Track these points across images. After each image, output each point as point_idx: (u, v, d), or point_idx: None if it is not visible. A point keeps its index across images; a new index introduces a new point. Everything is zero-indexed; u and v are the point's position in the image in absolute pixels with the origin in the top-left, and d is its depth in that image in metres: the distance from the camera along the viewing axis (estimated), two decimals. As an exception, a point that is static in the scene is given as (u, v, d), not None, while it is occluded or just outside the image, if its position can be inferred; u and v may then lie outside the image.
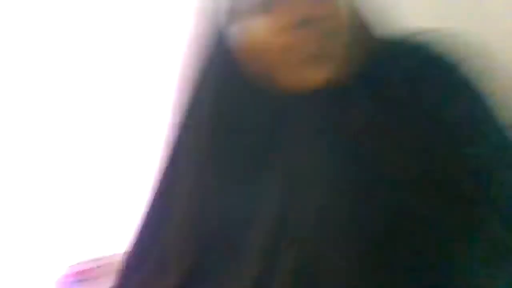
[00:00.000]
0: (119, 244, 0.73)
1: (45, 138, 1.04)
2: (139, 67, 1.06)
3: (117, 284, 0.58)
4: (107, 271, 0.84)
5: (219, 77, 0.55)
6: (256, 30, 0.51)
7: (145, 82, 1.05)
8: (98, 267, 0.90)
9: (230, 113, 0.53)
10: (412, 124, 0.50)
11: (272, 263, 0.49)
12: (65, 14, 1.04)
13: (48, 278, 0.93)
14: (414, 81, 0.52)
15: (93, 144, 1.05)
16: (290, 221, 0.49)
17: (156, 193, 0.57)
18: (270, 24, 0.50)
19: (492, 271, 0.47)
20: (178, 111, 0.57)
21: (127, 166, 1.05)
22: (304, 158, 0.50)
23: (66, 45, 1.04)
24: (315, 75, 0.50)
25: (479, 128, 0.51)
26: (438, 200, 0.48)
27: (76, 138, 1.05)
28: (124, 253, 0.58)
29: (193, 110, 0.56)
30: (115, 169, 1.05)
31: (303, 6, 0.49)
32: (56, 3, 1.03)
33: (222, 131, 0.53)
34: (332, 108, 0.51)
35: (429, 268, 0.47)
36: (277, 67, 0.51)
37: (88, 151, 1.05)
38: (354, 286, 0.47)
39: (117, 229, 0.98)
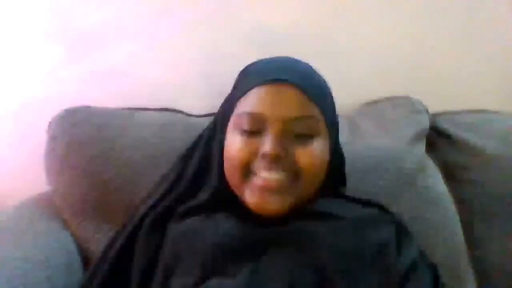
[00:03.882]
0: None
1: None
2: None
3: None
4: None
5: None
6: (235, 148, 0.59)
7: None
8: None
9: None
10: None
11: None
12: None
13: None
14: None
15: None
16: None
17: None
18: (249, 148, 0.58)
19: None
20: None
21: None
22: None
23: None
24: (267, 204, 0.58)
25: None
26: None
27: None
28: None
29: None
30: None
31: (285, 148, 0.58)
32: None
33: None
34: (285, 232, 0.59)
35: None
36: (243, 186, 0.59)
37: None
38: None
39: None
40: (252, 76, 0.63)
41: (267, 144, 0.57)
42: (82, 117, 0.85)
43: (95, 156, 0.82)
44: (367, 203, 0.67)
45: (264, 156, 0.57)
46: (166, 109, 0.91)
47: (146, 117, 0.88)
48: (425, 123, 0.91)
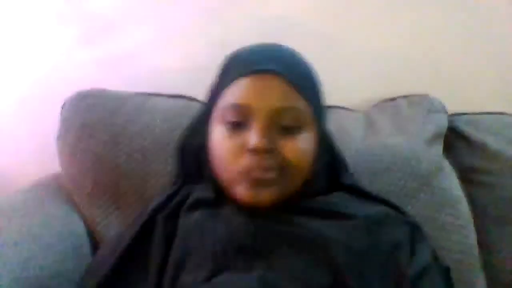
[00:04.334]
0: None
1: None
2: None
3: None
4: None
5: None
6: (222, 142, 0.59)
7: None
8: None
9: None
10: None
11: None
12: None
13: None
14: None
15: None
16: None
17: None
18: (235, 142, 0.58)
19: None
20: None
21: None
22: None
23: None
24: (258, 196, 0.57)
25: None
26: None
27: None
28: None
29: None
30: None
31: (272, 141, 0.57)
32: None
33: None
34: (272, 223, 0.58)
35: None
36: (232, 181, 0.59)
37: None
38: None
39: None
40: (236, 66, 0.61)
41: (253, 137, 0.57)
42: (95, 100, 0.85)
43: (107, 140, 0.81)
44: (379, 200, 0.66)
45: (252, 150, 0.57)
46: (180, 96, 0.90)
47: (159, 103, 0.87)
48: (444, 123, 0.89)
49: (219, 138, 0.60)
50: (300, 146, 0.59)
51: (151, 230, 0.62)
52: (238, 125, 0.58)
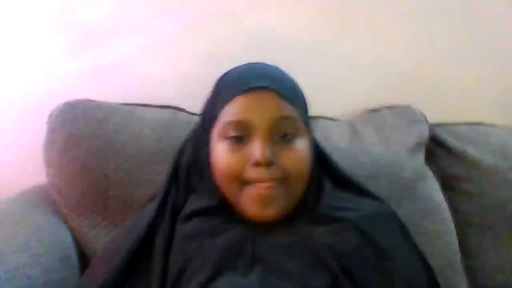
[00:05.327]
0: None
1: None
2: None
3: None
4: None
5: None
6: (224, 157, 0.62)
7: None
8: None
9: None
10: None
11: None
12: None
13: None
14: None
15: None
16: None
17: None
18: (237, 157, 0.61)
19: None
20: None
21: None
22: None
23: None
24: (264, 213, 0.60)
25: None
26: None
27: None
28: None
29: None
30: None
31: (273, 152, 0.60)
32: None
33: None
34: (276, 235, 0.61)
35: None
36: (237, 195, 0.61)
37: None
38: None
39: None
40: (231, 86, 0.65)
41: (257, 150, 0.60)
42: (82, 111, 0.85)
43: (94, 151, 0.81)
44: (368, 193, 0.69)
45: (256, 164, 0.60)
46: (168, 106, 0.91)
47: (147, 114, 0.88)
48: (425, 133, 0.92)
49: (222, 154, 0.63)
50: (299, 156, 0.63)
51: (147, 244, 0.63)
52: (239, 140, 0.62)
